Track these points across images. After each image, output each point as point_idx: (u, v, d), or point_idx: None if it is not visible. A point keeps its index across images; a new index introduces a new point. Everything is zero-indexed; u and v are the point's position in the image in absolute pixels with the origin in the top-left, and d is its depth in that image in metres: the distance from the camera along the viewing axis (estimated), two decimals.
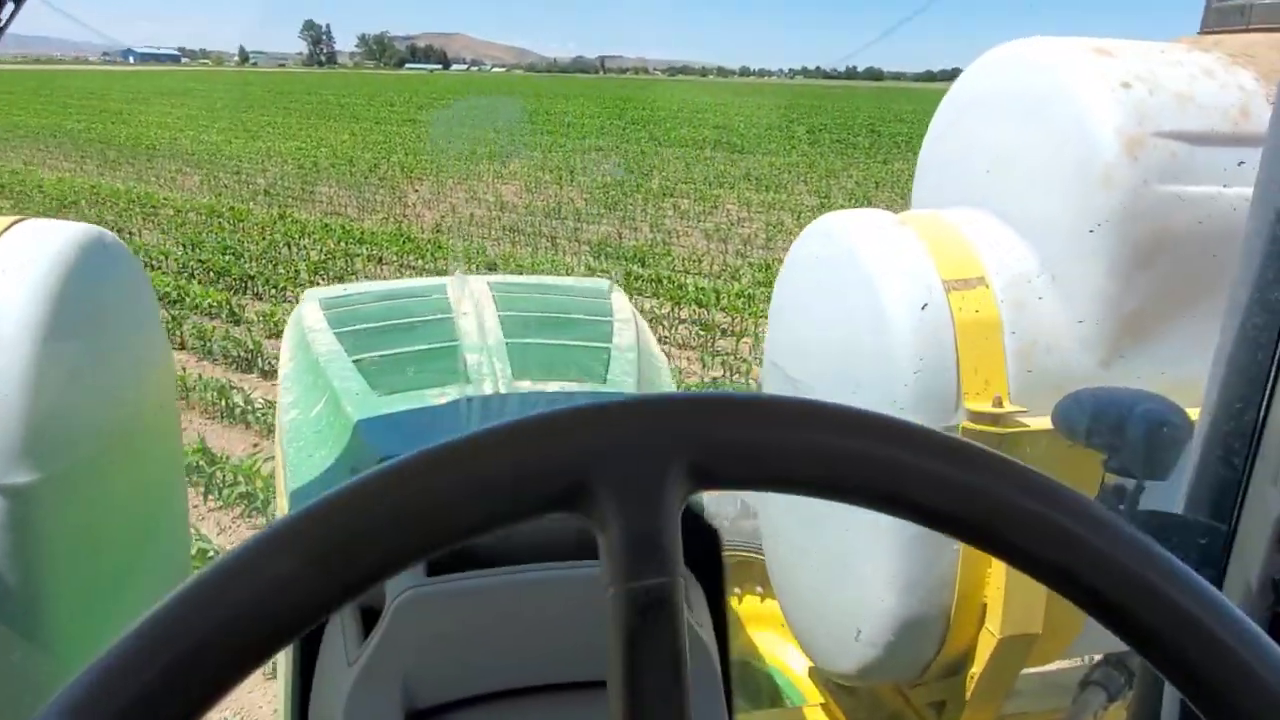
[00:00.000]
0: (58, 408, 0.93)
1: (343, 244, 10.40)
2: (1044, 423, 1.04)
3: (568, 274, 8.85)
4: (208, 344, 6.59)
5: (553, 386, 1.04)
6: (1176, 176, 1.07)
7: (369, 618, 0.73)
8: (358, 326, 1.28)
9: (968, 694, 1.18)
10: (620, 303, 1.46)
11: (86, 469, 0.99)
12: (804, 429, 0.36)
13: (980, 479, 0.36)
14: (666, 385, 1.23)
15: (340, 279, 8.96)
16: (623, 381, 1.09)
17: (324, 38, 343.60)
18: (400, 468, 0.34)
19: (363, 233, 10.94)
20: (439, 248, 10.23)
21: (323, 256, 9.81)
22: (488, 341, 1.16)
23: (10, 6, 0.74)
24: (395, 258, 9.85)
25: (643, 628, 0.33)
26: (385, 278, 9.06)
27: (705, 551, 0.85)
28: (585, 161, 19.61)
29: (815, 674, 1.49)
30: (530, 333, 1.22)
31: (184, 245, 10.10)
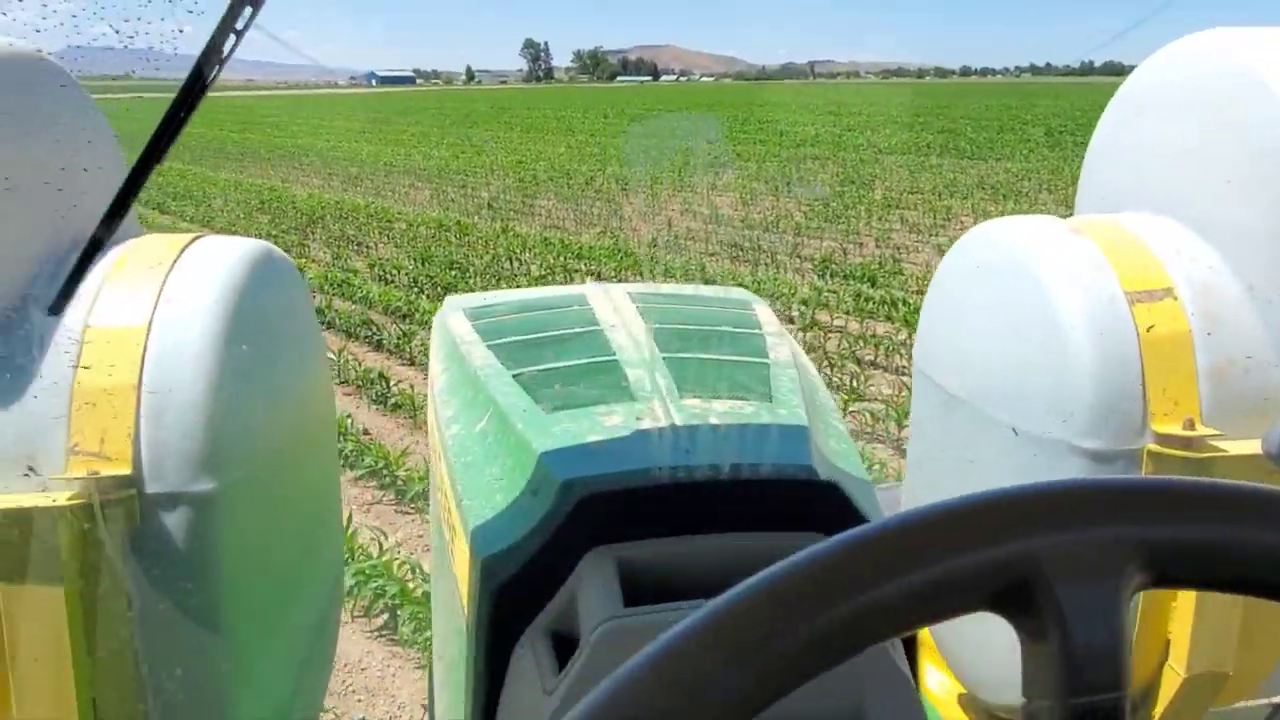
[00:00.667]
0: (235, 419, 0.96)
1: (562, 258, 10.40)
2: (1243, 447, 0.97)
3: (791, 293, 8.32)
4: None
5: (722, 405, 0.98)
6: None
7: (560, 648, 0.72)
8: (509, 339, 1.25)
9: None
10: (766, 315, 1.40)
11: (259, 479, 1.02)
12: None
13: None
14: (828, 404, 1.16)
15: None
16: (789, 400, 1.02)
17: (542, 55, 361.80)
18: (821, 556, 0.31)
19: (581, 247, 10.91)
20: (655, 262, 9.99)
21: (543, 271, 9.83)
22: (644, 355, 1.12)
23: (232, 39, 0.76)
24: (613, 273, 9.69)
25: None
26: None
27: None
28: (802, 171, 18.94)
29: (966, 701, 1.39)
30: (683, 346, 1.17)
31: (415, 259, 10.47)
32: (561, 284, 9.27)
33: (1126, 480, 0.33)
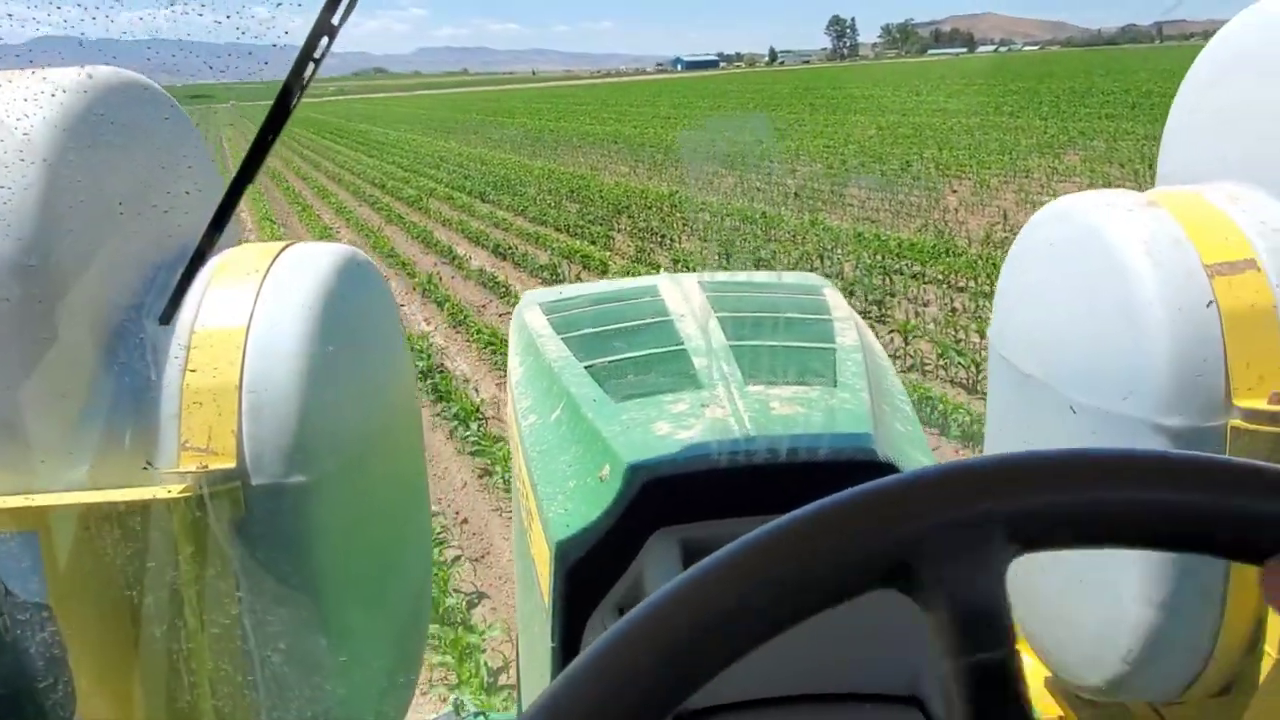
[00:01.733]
0: (326, 415, 1.04)
1: (879, 256, 9.30)
2: None
3: None
4: None
5: (786, 390, 1.01)
6: None
7: None
8: (582, 331, 1.28)
9: (1240, 719, 1.07)
10: (835, 300, 1.36)
11: (349, 471, 1.09)
12: (1128, 484, 0.36)
13: None
14: (895, 386, 1.14)
15: (879, 304, 7.85)
16: (854, 384, 1.03)
17: (848, 31, 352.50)
18: (730, 559, 0.35)
19: (899, 243, 9.71)
20: (992, 265, 8.56)
21: (857, 273, 8.79)
22: (711, 344, 1.15)
23: (311, 65, 0.80)
24: (943, 277, 8.44)
25: (983, 703, 0.33)
26: (939, 304, 7.72)
27: None
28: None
29: (1054, 685, 1.36)
30: (751, 334, 1.19)
31: (718, 255, 9.89)
32: (880, 290, 8.23)
33: (984, 460, 0.36)
